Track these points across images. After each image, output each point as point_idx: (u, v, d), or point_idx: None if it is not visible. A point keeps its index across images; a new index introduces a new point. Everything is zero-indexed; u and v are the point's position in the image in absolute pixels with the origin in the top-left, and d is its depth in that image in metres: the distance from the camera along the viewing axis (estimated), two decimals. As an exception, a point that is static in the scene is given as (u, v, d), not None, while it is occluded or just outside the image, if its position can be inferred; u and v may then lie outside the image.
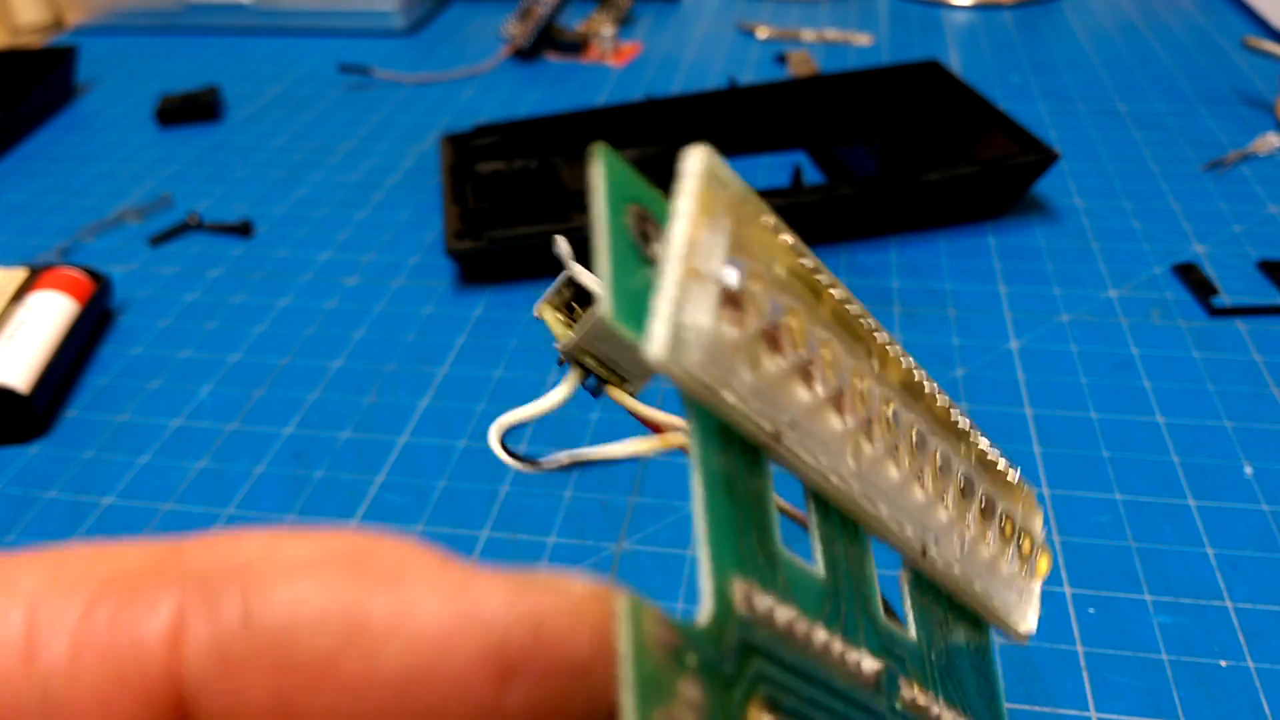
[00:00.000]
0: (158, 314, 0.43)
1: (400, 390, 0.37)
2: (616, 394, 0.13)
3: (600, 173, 0.09)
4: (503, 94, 0.63)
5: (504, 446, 0.13)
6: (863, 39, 0.69)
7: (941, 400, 0.12)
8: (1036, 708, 0.25)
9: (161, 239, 0.48)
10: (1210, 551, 0.29)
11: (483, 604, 0.08)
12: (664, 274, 0.08)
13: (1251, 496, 0.31)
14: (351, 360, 0.39)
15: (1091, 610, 0.28)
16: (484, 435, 0.10)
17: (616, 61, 0.67)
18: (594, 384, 0.13)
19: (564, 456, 0.12)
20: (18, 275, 0.40)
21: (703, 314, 0.08)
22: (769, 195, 0.43)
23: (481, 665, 0.08)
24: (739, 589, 0.08)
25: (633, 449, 0.12)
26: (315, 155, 0.56)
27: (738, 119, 0.53)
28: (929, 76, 0.53)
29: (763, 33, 0.70)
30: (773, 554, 0.09)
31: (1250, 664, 0.26)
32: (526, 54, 0.68)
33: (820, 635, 0.09)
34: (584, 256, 0.50)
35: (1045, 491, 0.32)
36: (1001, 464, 0.13)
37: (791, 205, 0.43)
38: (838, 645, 0.09)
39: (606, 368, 0.13)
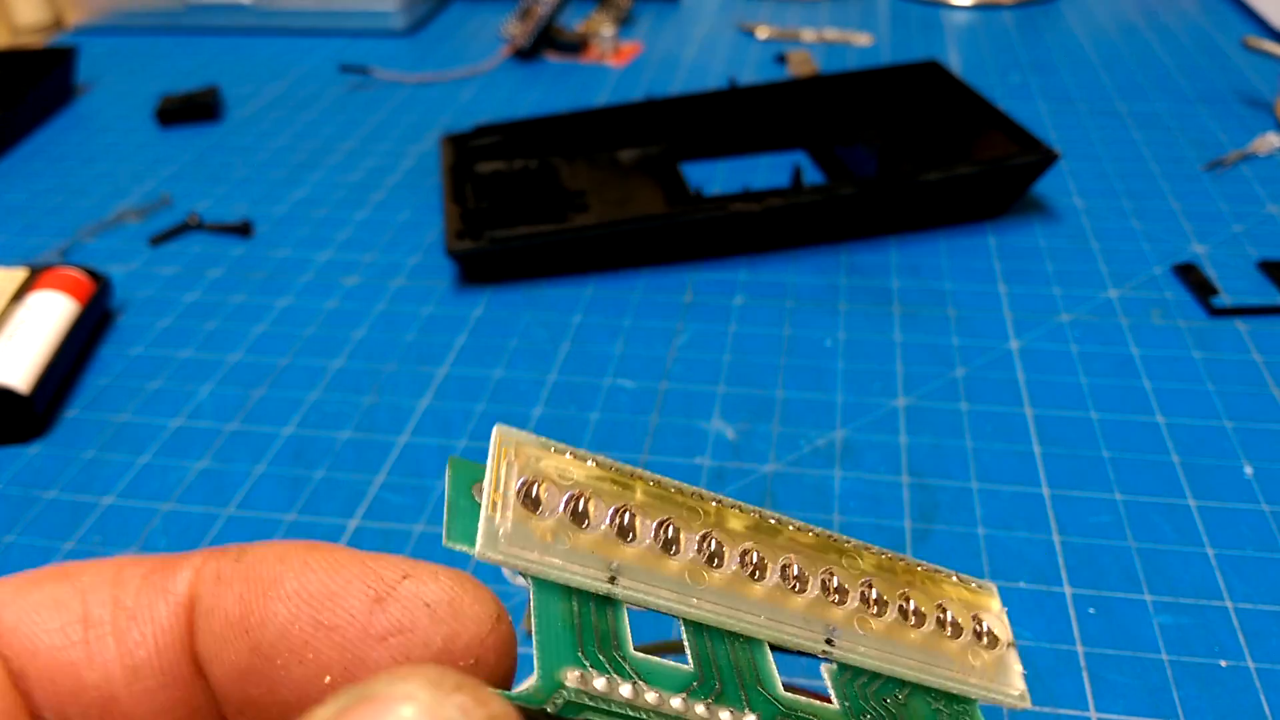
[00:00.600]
0: (158, 314, 0.43)
1: (400, 390, 0.37)
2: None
3: (449, 475, 0.14)
4: (503, 94, 0.63)
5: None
6: (863, 39, 0.69)
7: (815, 531, 0.15)
8: (1036, 708, 0.25)
9: (161, 239, 0.48)
10: (1210, 551, 0.29)
11: (379, 561, 0.13)
12: (481, 506, 0.13)
13: (1251, 496, 0.31)
14: (351, 360, 0.39)
15: (1091, 610, 0.28)
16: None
17: (616, 61, 0.67)
18: None
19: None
20: (18, 275, 0.40)
21: (508, 518, 0.12)
22: (769, 195, 0.44)
23: (364, 591, 0.13)
24: (571, 674, 0.12)
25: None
26: (315, 155, 0.56)
27: (738, 119, 0.53)
28: (929, 76, 0.53)
29: (763, 33, 0.70)
30: (620, 655, 0.13)
31: (1250, 664, 0.26)
32: (526, 54, 0.68)
33: (676, 701, 0.12)
34: (581, 257, 0.49)
35: (1045, 491, 0.32)
36: (922, 567, 0.15)
37: (791, 205, 0.43)
38: (700, 707, 0.12)
39: None
